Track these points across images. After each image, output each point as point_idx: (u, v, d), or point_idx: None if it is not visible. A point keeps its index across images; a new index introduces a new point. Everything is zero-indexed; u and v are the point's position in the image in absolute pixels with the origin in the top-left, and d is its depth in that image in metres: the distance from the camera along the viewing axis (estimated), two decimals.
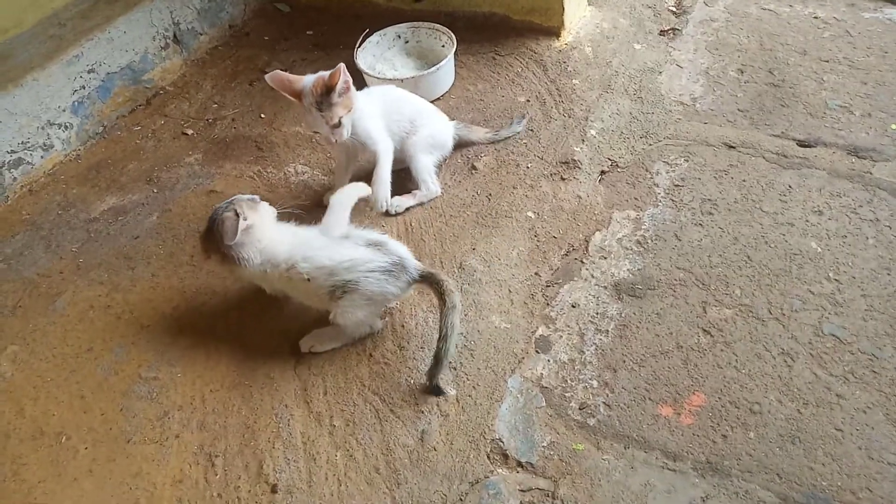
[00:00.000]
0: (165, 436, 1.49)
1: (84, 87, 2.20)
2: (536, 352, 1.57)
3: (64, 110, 2.17)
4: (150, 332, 1.70)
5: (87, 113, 2.23)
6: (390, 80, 2.15)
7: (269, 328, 1.67)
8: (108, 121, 2.31)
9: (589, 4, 2.46)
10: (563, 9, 2.25)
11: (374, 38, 2.28)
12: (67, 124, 2.19)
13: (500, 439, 1.42)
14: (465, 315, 1.63)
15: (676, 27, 2.44)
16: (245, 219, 1.48)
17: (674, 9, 2.55)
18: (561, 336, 1.59)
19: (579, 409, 1.45)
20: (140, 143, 2.25)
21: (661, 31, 2.44)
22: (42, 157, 2.15)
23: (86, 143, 2.26)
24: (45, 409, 1.57)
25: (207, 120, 2.31)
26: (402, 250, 1.53)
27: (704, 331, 1.55)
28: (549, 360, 1.55)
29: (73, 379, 1.62)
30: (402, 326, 1.62)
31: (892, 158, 1.84)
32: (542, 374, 1.53)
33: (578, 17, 2.39)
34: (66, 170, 2.19)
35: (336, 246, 1.51)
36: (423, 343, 1.58)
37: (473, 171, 1.97)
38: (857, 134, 1.93)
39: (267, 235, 1.52)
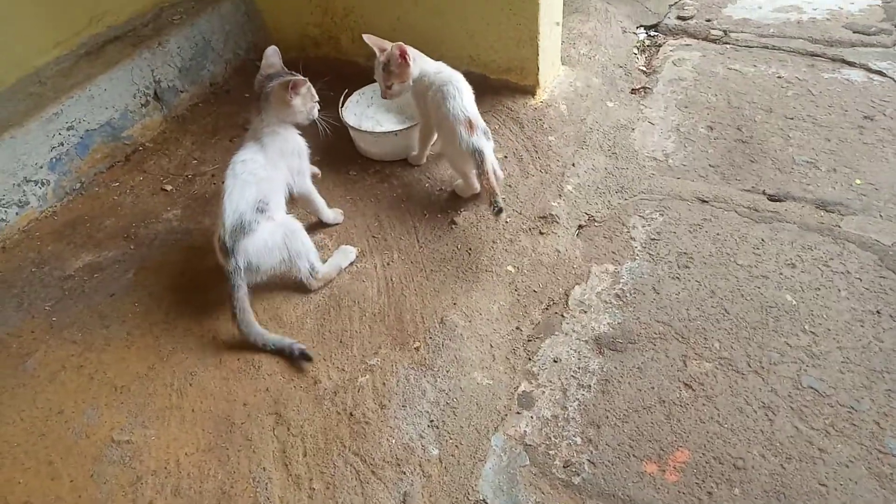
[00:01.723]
0: (138, 503, 1.44)
1: (62, 144, 2.20)
2: (519, 408, 1.56)
3: (41, 167, 2.16)
4: (123, 393, 1.65)
5: (64, 170, 2.22)
6: (385, 133, 2.20)
7: (248, 388, 1.64)
8: (85, 177, 2.30)
9: (563, 64, 2.54)
10: (538, 68, 2.33)
11: (354, 97, 2.33)
12: (44, 181, 2.17)
13: (484, 500, 1.39)
14: (447, 372, 1.62)
15: (647, 86, 2.53)
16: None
17: (644, 68, 2.65)
18: (543, 392, 1.59)
19: (564, 467, 1.44)
20: (118, 200, 2.24)
21: (633, 89, 2.53)
22: (17, 213, 2.13)
23: (62, 199, 2.24)
24: (9, 477, 1.51)
25: (187, 176, 2.31)
26: None
27: (686, 385, 1.56)
28: (532, 417, 1.54)
29: (42, 444, 1.56)
30: (384, 384, 1.60)
31: (858, 212, 1.91)
32: (525, 431, 1.51)
33: (552, 76, 2.47)
34: (42, 226, 2.16)
35: None
36: (404, 401, 1.56)
37: (453, 226, 1.99)
38: (825, 188, 2.00)
39: None
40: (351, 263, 1.90)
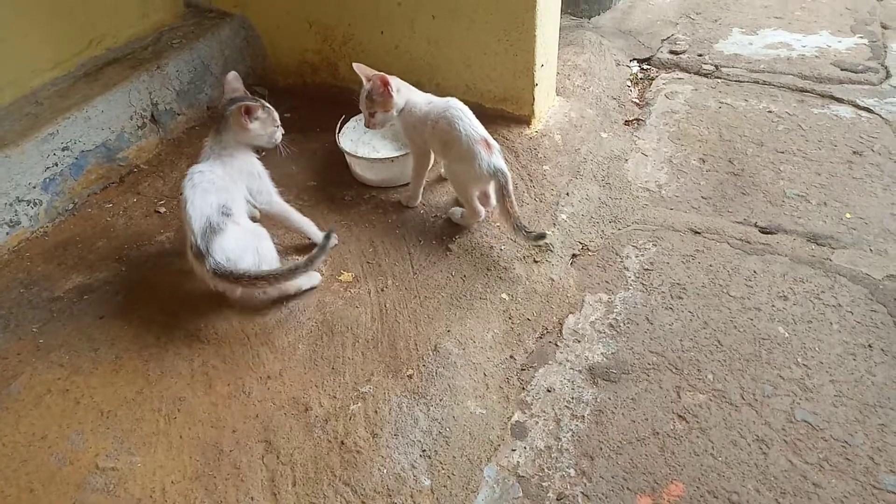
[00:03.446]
0: None
1: (56, 165, 2.19)
2: (513, 438, 1.55)
3: (34, 187, 2.14)
4: (109, 418, 1.62)
5: (57, 190, 2.21)
6: (381, 160, 2.21)
7: (237, 414, 1.61)
8: (79, 198, 2.28)
9: (557, 95, 2.58)
10: (534, 98, 2.36)
11: (351, 123, 2.35)
12: (36, 201, 2.16)
13: None
14: (440, 400, 1.60)
15: (640, 118, 2.57)
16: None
17: (637, 101, 2.69)
18: (537, 422, 1.57)
19: (557, 499, 1.42)
20: (111, 221, 2.22)
21: (626, 121, 2.56)
22: (7, 233, 2.10)
23: (54, 220, 2.22)
24: None
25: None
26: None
27: (680, 416, 1.55)
28: (525, 448, 1.52)
29: (23, 470, 1.53)
30: (376, 413, 1.58)
31: (849, 246, 1.93)
32: (518, 462, 1.50)
33: (547, 106, 2.50)
34: (32, 247, 2.14)
35: None
36: (396, 430, 1.54)
37: (448, 253, 1.99)
38: (815, 222, 2.02)
39: None
40: (313, 287, 1.91)
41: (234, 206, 1.78)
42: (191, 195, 1.74)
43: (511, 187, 1.88)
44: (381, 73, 1.94)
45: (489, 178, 1.87)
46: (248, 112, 1.81)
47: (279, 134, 1.91)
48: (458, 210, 2.07)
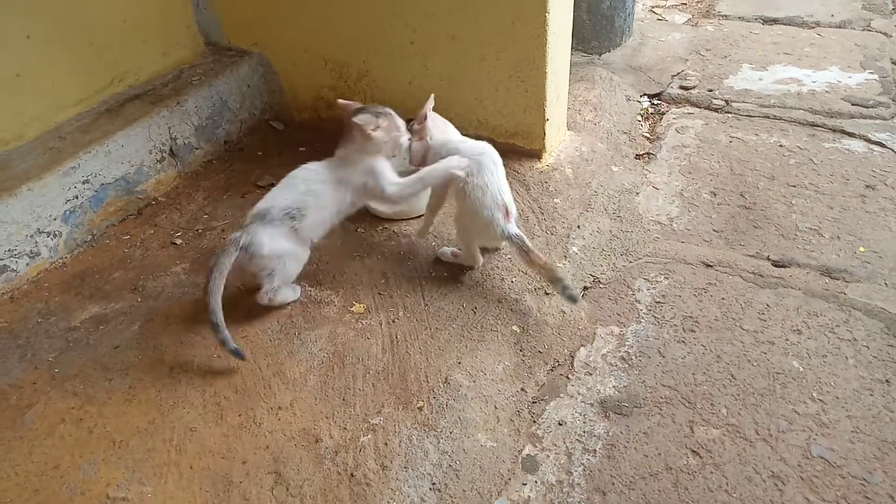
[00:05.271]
0: None
1: (77, 197, 2.24)
2: (523, 472, 1.53)
3: (55, 219, 2.19)
4: (122, 448, 1.63)
5: (77, 222, 2.26)
6: None
7: (248, 445, 1.61)
8: (97, 230, 2.33)
9: (568, 129, 2.61)
10: (545, 133, 2.39)
11: None
12: (56, 232, 2.21)
13: None
14: (451, 433, 1.59)
15: (651, 152, 2.59)
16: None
17: (647, 135, 2.72)
18: (548, 456, 1.56)
19: None
20: (128, 252, 2.26)
21: (637, 155, 2.58)
22: (27, 264, 2.15)
23: (73, 251, 2.26)
24: None
25: (197, 230, 2.34)
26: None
27: (693, 451, 1.53)
28: (536, 482, 1.51)
29: (35, 499, 1.53)
30: (386, 445, 1.58)
31: (863, 280, 1.91)
32: (529, 496, 1.48)
33: (558, 140, 2.53)
34: (51, 277, 2.18)
35: None
36: (406, 463, 1.53)
37: (459, 285, 2.00)
38: (829, 255, 2.01)
39: None
40: (295, 301, 1.97)
41: (312, 213, 1.83)
42: (281, 182, 1.86)
43: (529, 243, 1.84)
44: (431, 98, 1.99)
45: (500, 241, 1.87)
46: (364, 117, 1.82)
47: (405, 139, 1.91)
48: (447, 249, 2.07)
